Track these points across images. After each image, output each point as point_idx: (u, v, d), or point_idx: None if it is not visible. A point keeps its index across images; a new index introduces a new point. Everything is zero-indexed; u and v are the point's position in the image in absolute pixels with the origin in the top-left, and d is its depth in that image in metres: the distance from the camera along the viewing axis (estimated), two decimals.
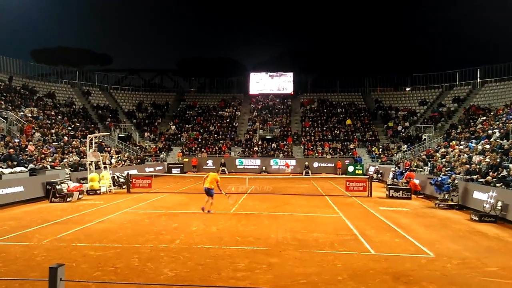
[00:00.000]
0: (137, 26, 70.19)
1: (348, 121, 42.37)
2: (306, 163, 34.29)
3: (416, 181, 19.86)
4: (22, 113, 27.92)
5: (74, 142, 27.35)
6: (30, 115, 28.60)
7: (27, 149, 21.44)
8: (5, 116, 24.70)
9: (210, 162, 36.18)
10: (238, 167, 35.27)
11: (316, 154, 37.34)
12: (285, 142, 39.80)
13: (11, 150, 19.15)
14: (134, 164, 30.34)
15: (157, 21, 72.39)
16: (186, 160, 36.06)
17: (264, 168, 35.03)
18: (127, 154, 33.21)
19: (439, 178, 16.96)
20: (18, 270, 7.36)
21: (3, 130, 23.05)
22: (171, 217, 12.84)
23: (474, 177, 16.82)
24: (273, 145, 39.26)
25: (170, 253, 8.48)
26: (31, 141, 23.37)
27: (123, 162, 28.90)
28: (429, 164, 24.49)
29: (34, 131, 25.29)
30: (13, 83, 35.86)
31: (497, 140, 21.32)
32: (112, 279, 6.90)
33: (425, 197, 19.00)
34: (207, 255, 8.42)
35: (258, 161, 36.02)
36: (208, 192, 13.48)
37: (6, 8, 52.85)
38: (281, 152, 37.92)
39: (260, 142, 39.77)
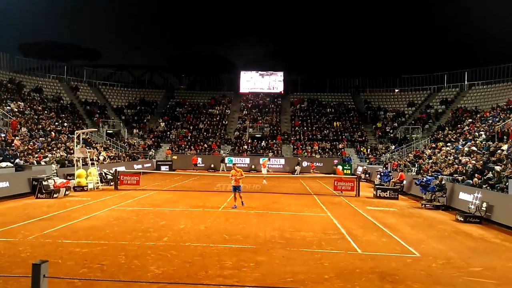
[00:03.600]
0: (128, 22, 69.48)
1: (337, 123, 42.57)
2: (299, 159, 34.31)
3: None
4: (8, 107, 27.47)
5: (61, 138, 27.00)
6: (16, 109, 28.16)
7: (13, 144, 21.12)
8: None
9: (199, 160, 36.05)
10: (228, 165, 35.17)
11: (305, 153, 37.47)
12: (274, 141, 39.87)
13: None
14: (122, 161, 30.06)
15: (148, 17, 71.82)
16: (175, 157, 35.70)
17: (253, 166, 35.03)
18: (116, 151, 32.89)
19: (424, 179, 17.14)
20: (2, 266, 7.25)
21: None
22: (158, 215, 12.76)
23: (460, 178, 17.06)
24: (262, 143, 39.31)
25: (157, 251, 8.43)
26: (18, 136, 23.01)
27: (109, 160, 28.56)
28: (416, 164, 24.77)
29: (20, 126, 24.91)
30: None
31: (483, 142, 21.66)
32: (98, 276, 6.84)
33: (412, 197, 19.21)
34: (194, 253, 8.39)
35: (247, 160, 36.01)
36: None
37: None
38: (270, 151, 37.97)
39: (249, 141, 39.78)
